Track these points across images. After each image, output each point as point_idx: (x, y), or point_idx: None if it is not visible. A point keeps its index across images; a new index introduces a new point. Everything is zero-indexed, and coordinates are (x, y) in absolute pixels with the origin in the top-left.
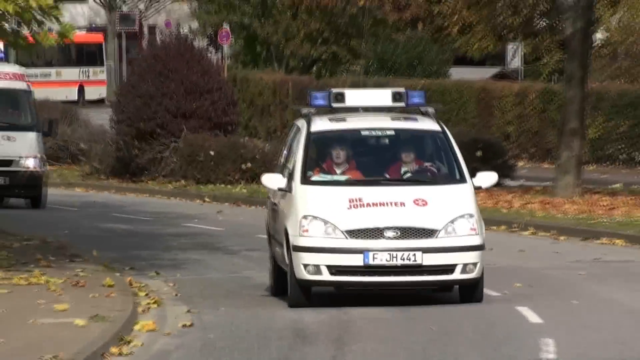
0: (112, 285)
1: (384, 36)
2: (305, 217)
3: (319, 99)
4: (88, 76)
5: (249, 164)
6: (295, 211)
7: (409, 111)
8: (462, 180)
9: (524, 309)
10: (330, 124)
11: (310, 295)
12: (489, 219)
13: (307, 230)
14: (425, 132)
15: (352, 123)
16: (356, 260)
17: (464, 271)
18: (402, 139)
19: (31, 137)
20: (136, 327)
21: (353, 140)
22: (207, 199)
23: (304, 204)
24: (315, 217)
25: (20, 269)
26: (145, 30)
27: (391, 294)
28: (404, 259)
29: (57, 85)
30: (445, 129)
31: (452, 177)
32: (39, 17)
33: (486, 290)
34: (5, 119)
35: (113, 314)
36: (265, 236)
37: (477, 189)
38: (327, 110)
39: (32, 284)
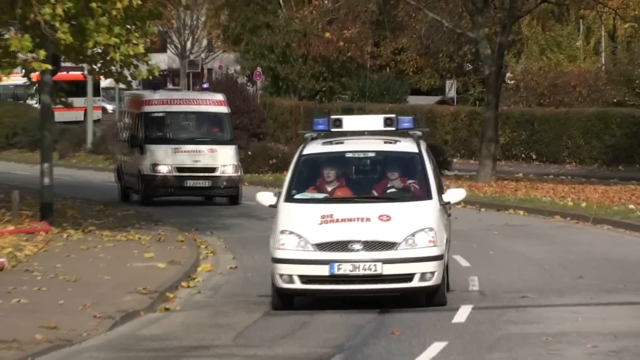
0: (182, 241)
1: (363, 75)
2: (282, 231)
3: (320, 125)
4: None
5: (274, 160)
6: (275, 226)
7: (403, 134)
8: (428, 197)
9: (457, 256)
10: (321, 147)
11: (292, 302)
12: None
13: (283, 244)
14: (403, 154)
15: (342, 146)
16: (323, 270)
17: (422, 279)
18: (383, 159)
19: (230, 149)
20: (199, 269)
21: (340, 161)
22: (246, 184)
23: (283, 220)
24: (290, 232)
25: (121, 230)
26: (205, 71)
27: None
28: (365, 269)
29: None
30: (423, 151)
31: (420, 194)
32: (135, 62)
33: None
34: (211, 136)
35: (183, 259)
36: None
37: (446, 204)
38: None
39: (129, 240)
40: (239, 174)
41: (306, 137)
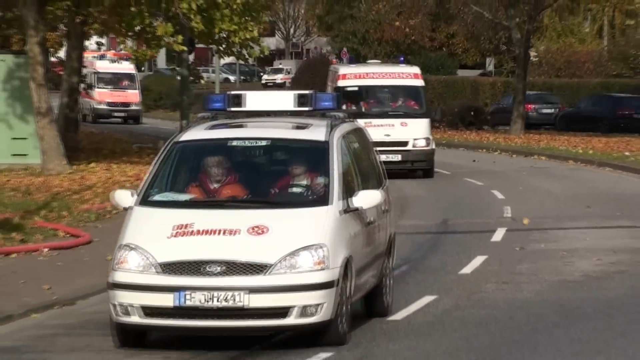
0: None
1: (424, 54)
2: (122, 246)
3: (216, 102)
4: None
5: None
6: (119, 238)
7: (324, 115)
8: (324, 201)
9: (494, 191)
10: (205, 133)
11: (142, 339)
12: (476, 145)
13: (122, 263)
14: (308, 143)
15: (231, 131)
16: (167, 300)
17: (303, 314)
18: (285, 149)
19: (422, 122)
20: None
21: (225, 151)
22: None
23: (129, 230)
24: (133, 247)
25: None
26: (304, 51)
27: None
28: (224, 300)
29: None
30: (334, 139)
31: (316, 197)
32: (250, 44)
33: (474, 181)
34: (404, 109)
35: None
36: None
37: (355, 210)
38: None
39: None
40: (432, 146)
41: (197, 118)
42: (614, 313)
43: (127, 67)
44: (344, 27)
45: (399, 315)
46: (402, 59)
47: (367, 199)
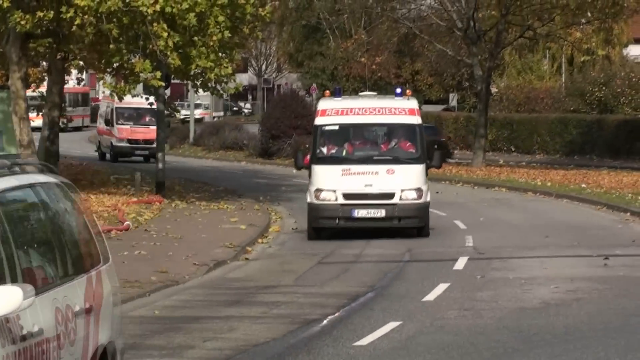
0: (258, 209)
1: (390, 89)
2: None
3: None
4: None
5: None
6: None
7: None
8: None
9: (457, 221)
10: None
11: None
12: (440, 177)
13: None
14: None
15: None
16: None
17: None
18: None
19: (416, 169)
20: (269, 230)
21: None
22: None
23: None
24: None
25: (214, 201)
26: (275, 86)
27: None
28: None
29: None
30: None
31: None
32: (225, 80)
33: (437, 211)
34: (393, 153)
35: (259, 223)
36: None
37: None
38: None
39: (220, 208)
40: (425, 199)
41: None
42: (571, 339)
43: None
44: (314, 64)
45: (364, 341)
46: (399, 91)
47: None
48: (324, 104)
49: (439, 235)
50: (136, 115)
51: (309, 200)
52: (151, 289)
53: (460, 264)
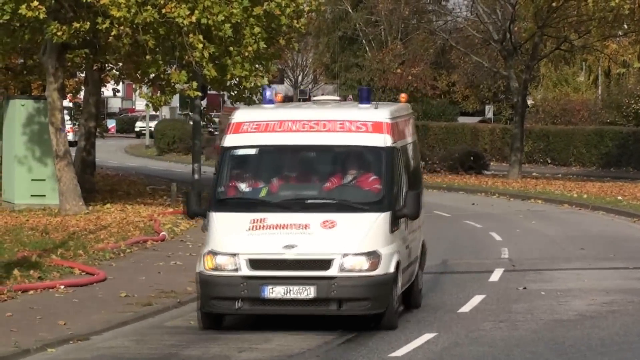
0: None
1: (426, 101)
2: None
3: None
4: None
5: None
6: None
7: None
8: None
9: (492, 233)
10: None
11: None
12: (475, 189)
13: None
14: None
15: None
16: None
17: None
18: None
19: (373, 221)
20: None
21: None
22: None
23: None
24: None
25: None
26: (312, 98)
27: None
28: None
29: None
30: None
31: None
32: (260, 90)
33: (473, 223)
34: (339, 193)
35: None
36: None
37: None
38: None
39: None
40: (387, 269)
41: None
42: (607, 351)
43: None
44: (350, 75)
45: (400, 352)
46: (364, 92)
47: None
48: (241, 115)
49: (474, 246)
50: None
51: (197, 269)
52: (187, 299)
53: (496, 275)
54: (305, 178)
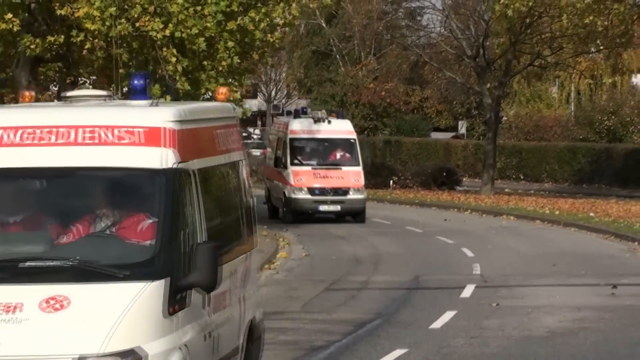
0: (266, 235)
1: (398, 116)
2: None
3: None
4: None
5: None
6: None
7: None
8: None
9: (464, 249)
10: None
11: None
12: (448, 205)
13: None
14: None
15: None
16: None
17: None
18: None
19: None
20: (277, 256)
21: None
22: None
23: None
24: None
25: None
26: (285, 113)
27: None
28: None
29: None
30: None
31: None
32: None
33: (445, 239)
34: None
35: (266, 248)
36: None
37: None
38: None
39: None
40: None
41: None
42: None
43: (341, 128)
44: (323, 90)
45: None
46: (137, 80)
47: None
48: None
49: (446, 262)
50: (323, 150)
51: None
52: None
53: (468, 291)
54: (30, 224)
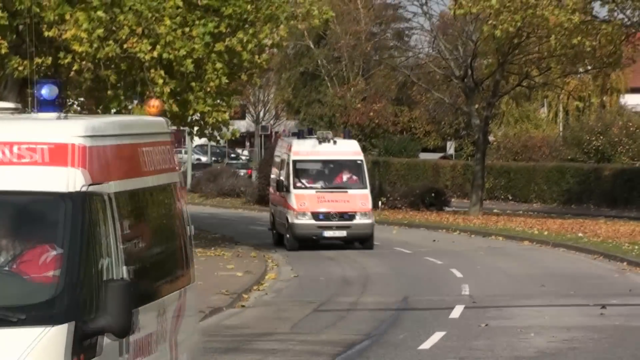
0: (255, 256)
1: (387, 137)
2: None
3: None
4: None
5: None
6: None
7: None
8: None
9: (453, 269)
10: None
11: None
12: (437, 226)
13: None
14: None
15: None
16: None
17: None
18: None
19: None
20: (266, 277)
21: None
22: None
23: None
24: None
25: (210, 248)
26: (273, 134)
27: None
28: None
29: None
30: None
31: None
32: (222, 126)
33: (434, 260)
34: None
35: (255, 270)
36: None
37: None
38: None
39: (216, 255)
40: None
41: None
42: None
43: (348, 149)
44: (312, 111)
45: None
46: (43, 90)
47: None
48: None
49: (435, 283)
50: (328, 173)
51: None
52: None
53: (457, 312)
54: None
